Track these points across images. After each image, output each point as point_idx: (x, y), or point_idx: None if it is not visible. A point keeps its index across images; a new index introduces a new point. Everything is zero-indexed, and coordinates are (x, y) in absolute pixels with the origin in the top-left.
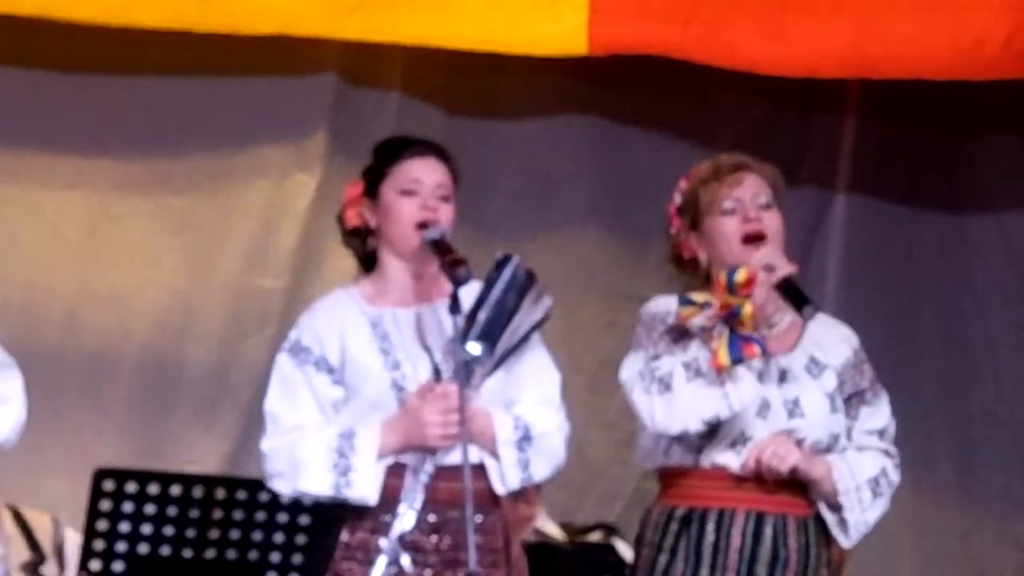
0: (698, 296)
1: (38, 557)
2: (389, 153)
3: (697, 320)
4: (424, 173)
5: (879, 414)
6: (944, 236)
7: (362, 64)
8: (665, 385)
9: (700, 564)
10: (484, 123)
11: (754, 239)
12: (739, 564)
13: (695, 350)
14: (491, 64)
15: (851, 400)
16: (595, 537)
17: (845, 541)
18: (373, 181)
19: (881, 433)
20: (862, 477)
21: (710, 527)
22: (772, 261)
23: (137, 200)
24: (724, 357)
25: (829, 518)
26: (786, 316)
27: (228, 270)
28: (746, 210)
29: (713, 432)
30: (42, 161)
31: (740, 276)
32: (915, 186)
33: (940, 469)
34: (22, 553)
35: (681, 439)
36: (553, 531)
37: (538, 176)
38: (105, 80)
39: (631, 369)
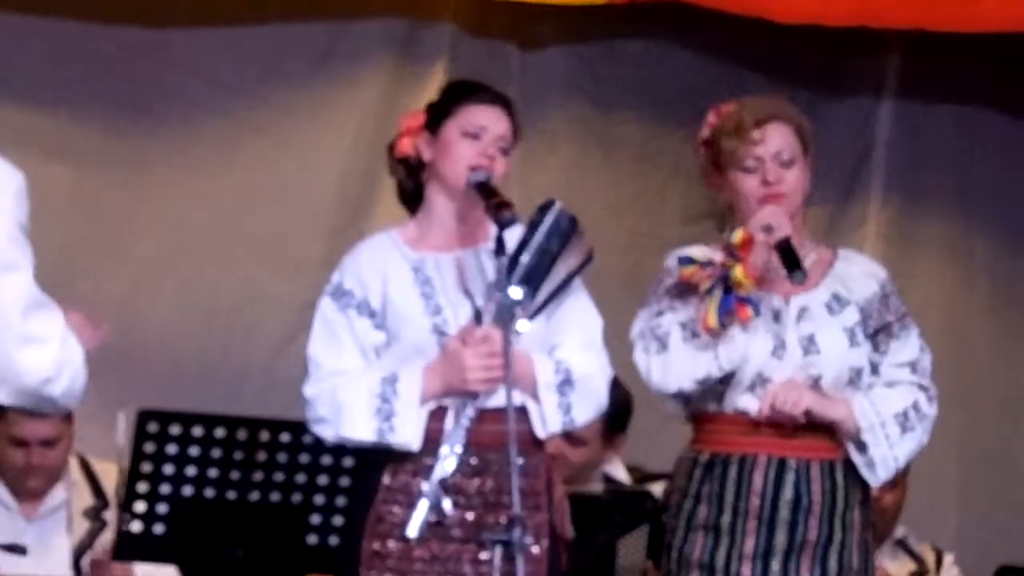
0: (699, 255)
1: (101, 503)
2: (458, 93)
3: (699, 276)
4: (490, 121)
5: (908, 347)
6: (994, 138)
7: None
8: (662, 344)
9: (722, 510)
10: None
11: (772, 199)
12: (760, 509)
13: (692, 310)
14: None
15: (878, 335)
16: (659, 487)
17: (873, 479)
18: (436, 116)
19: (912, 366)
20: (888, 412)
21: (732, 473)
22: (772, 221)
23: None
24: (712, 319)
25: (857, 458)
26: (812, 254)
27: (266, 215)
28: (766, 171)
29: (729, 377)
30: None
31: (737, 238)
32: (964, 88)
33: (987, 399)
34: (86, 499)
35: (678, 397)
36: (621, 475)
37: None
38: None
39: (637, 326)
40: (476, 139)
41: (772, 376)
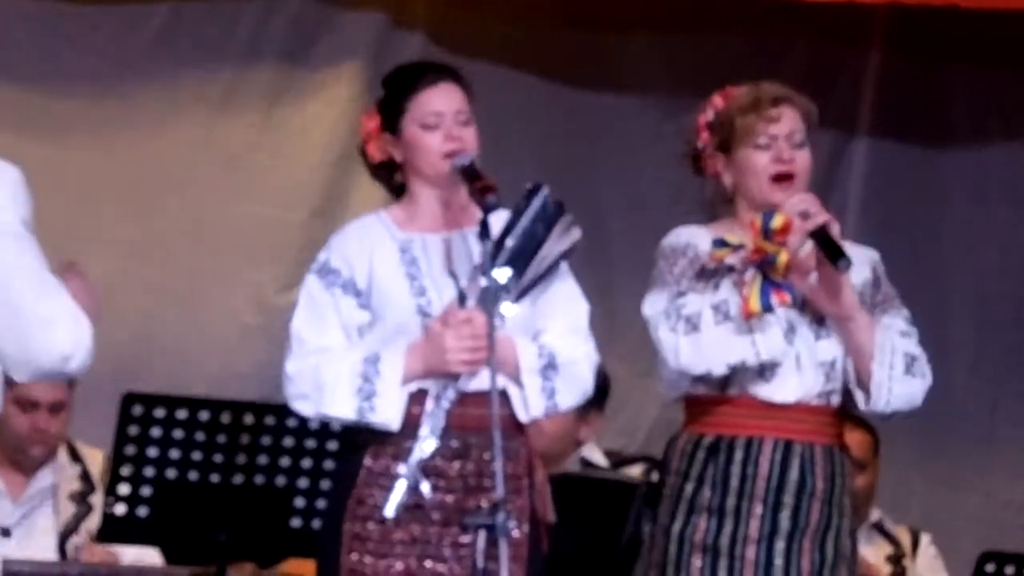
0: (732, 238)
1: (88, 488)
2: (403, 85)
3: (728, 259)
4: (443, 103)
5: (900, 320)
6: (967, 176)
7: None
8: (692, 325)
9: (727, 492)
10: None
11: (783, 178)
12: (766, 492)
13: (725, 292)
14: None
15: (872, 314)
16: (637, 469)
17: (861, 401)
18: (391, 116)
19: (904, 334)
20: (900, 347)
21: (738, 455)
22: (808, 208)
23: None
24: (755, 304)
25: (852, 380)
26: (808, 241)
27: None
28: (780, 149)
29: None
30: None
31: (776, 223)
32: (939, 125)
33: (957, 408)
34: (73, 484)
35: (703, 378)
36: (598, 459)
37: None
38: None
39: (655, 306)
40: (437, 127)
41: (782, 361)
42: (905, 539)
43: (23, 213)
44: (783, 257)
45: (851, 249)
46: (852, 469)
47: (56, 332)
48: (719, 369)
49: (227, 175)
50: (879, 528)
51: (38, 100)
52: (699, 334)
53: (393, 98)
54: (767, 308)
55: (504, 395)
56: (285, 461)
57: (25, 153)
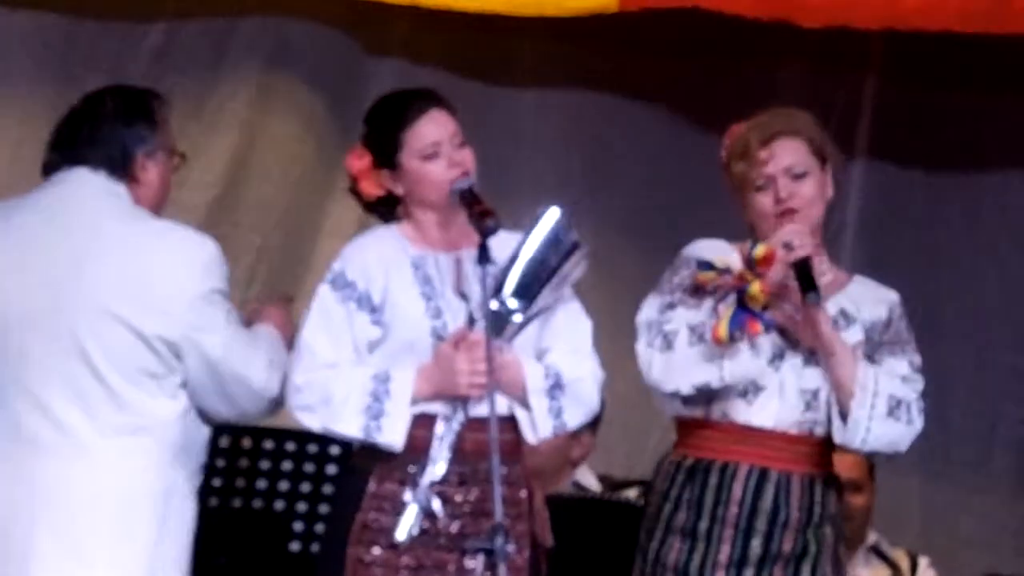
0: (720, 262)
1: None
2: (391, 120)
3: (715, 286)
4: (437, 131)
5: (902, 364)
6: (964, 200)
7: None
8: (667, 343)
9: (700, 516)
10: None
11: (787, 215)
12: (738, 518)
13: (704, 314)
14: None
15: (875, 352)
16: (631, 493)
17: (839, 436)
18: (386, 152)
19: (904, 379)
20: (885, 389)
21: (712, 480)
22: (793, 239)
23: None
24: (723, 331)
25: (834, 411)
26: (828, 273)
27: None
28: (777, 189)
29: (728, 387)
30: None
31: (759, 252)
32: (935, 151)
33: (955, 431)
34: None
35: (674, 396)
36: (591, 483)
37: (548, 143)
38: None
39: (645, 314)
40: (437, 156)
41: (767, 385)
42: (903, 562)
43: (214, 283)
44: (755, 287)
45: (873, 289)
46: (849, 491)
47: (253, 386)
48: (685, 390)
49: (205, 192)
50: (877, 551)
51: (36, 116)
52: (672, 353)
53: (384, 134)
54: (734, 336)
55: (508, 420)
56: (284, 485)
57: (22, 170)
